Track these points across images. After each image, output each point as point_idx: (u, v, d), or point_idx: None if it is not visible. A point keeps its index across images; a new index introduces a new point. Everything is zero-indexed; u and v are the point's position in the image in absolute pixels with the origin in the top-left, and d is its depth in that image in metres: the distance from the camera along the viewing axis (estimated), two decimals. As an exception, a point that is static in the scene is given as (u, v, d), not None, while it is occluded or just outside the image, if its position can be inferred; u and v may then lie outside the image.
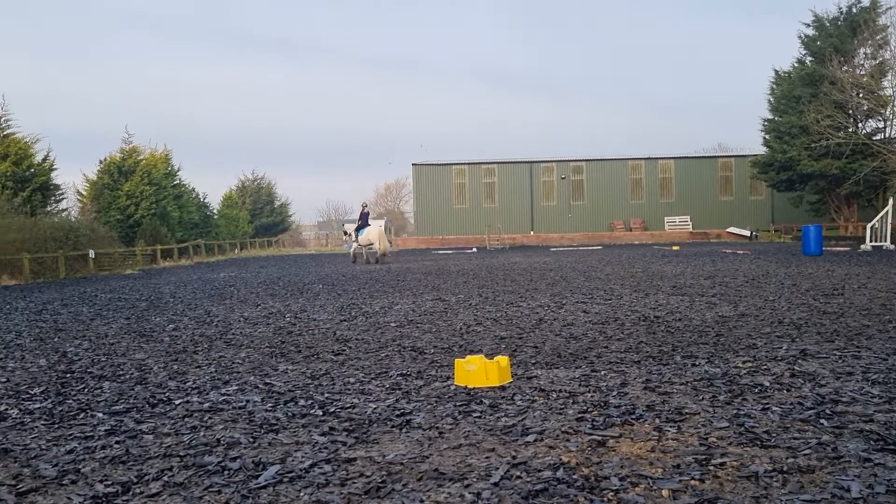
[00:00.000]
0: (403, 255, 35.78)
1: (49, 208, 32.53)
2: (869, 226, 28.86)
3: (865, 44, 38.97)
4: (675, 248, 35.09)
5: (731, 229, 49.93)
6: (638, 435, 3.84)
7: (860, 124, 39.73)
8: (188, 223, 43.10)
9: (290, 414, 4.56)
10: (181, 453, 3.78)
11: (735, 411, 4.24)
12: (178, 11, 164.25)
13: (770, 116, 43.78)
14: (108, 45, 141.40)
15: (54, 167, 33.03)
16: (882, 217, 28.25)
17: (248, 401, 4.96)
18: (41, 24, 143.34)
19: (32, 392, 5.54)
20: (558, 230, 52.98)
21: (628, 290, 12.39)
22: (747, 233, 47.93)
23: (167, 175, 41.24)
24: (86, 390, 5.54)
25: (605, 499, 2.96)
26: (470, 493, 3.07)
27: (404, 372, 5.82)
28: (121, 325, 9.71)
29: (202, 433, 4.17)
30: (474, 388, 5.07)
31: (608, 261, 23.01)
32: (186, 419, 4.52)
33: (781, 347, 6.37)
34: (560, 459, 3.46)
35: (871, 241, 28.18)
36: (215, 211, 51.89)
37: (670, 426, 3.97)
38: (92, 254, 26.00)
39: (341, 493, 3.12)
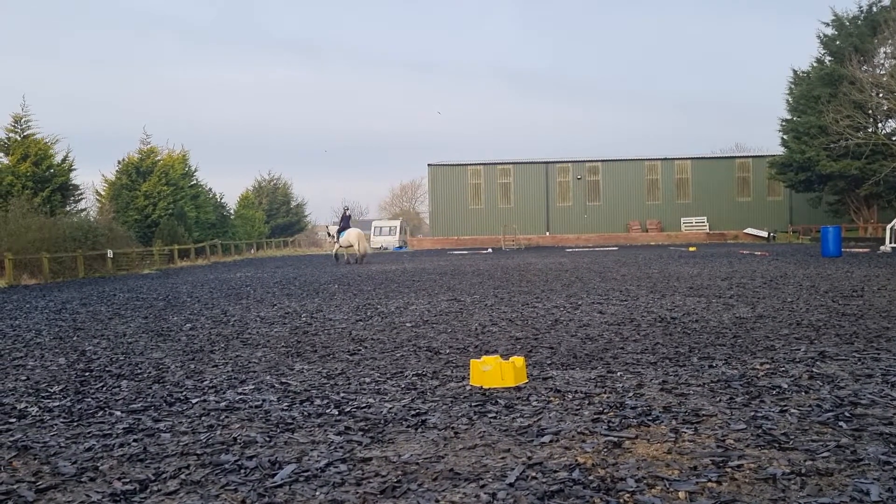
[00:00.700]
0: (418, 256, 35.82)
1: (68, 208, 32.87)
2: (889, 227, 28.54)
3: (886, 43, 38.52)
4: (691, 249, 34.88)
5: (749, 230, 49.56)
6: (654, 436, 3.82)
7: (880, 124, 39.33)
8: (205, 223, 43.36)
9: (305, 413, 4.58)
10: (198, 452, 3.81)
11: (753, 413, 4.21)
12: (198, 13, 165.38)
13: (788, 116, 43.44)
14: (128, 48, 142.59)
15: (73, 168, 33.42)
16: (902, 218, 27.94)
17: (264, 400, 4.98)
18: (61, 27, 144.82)
19: (52, 390, 5.59)
20: (574, 231, 52.80)
21: (644, 291, 12.33)
22: (765, 234, 47.55)
23: (184, 175, 41.53)
24: (104, 388, 5.58)
25: (621, 500, 2.95)
26: (485, 493, 3.06)
27: (420, 372, 5.82)
28: (139, 324, 9.79)
29: (219, 432, 4.20)
30: (490, 389, 5.07)
31: (624, 262, 22.91)
32: (203, 418, 4.55)
33: (800, 349, 6.31)
34: (576, 460, 3.45)
35: (890, 243, 27.86)
36: (232, 211, 52.19)
37: (687, 428, 3.95)
38: (110, 254, 26.22)
39: (357, 493, 3.13)
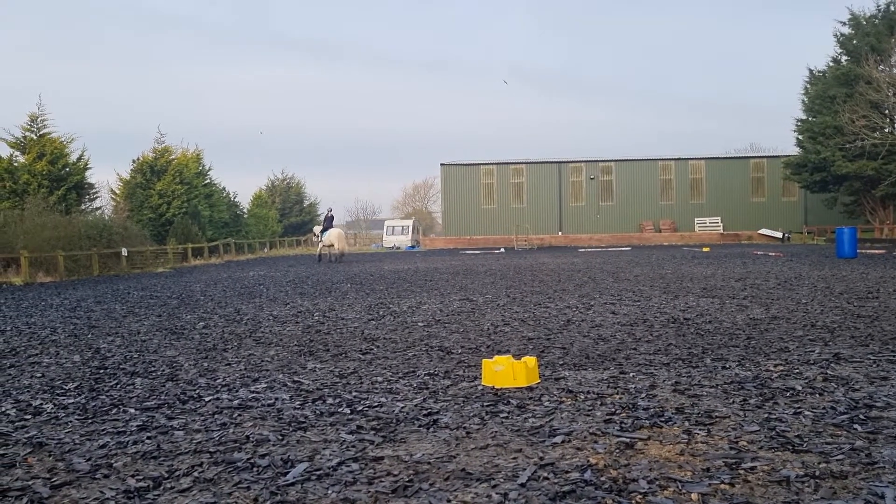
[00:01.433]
0: (431, 255, 35.84)
1: (83, 207, 33.11)
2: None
3: (903, 42, 38.21)
4: (705, 249, 34.72)
5: (763, 231, 49.25)
6: (667, 438, 3.81)
7: (896, 125, 38.99)
8: (218, 222, 43.56)
9: (318, 412, 4.59)
10: (211, 449, 3.83)
11: (766, 415, 4.18)
12: (213, 13, 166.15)
13: (804, 116, 43.13)
14: (143, 47, 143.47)
15: (89, 166, 33.66)
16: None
17: (276, 398, 5.00)
18: (77, 27, 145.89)
19: (67, 387, 5.64)
20: (587, 231, 52.65)
21: (657, 291, 12.28)
22: (779, 235, 47.24)
23: (198, 174, 41.73)
24: (118, 386, 5.62)
25: (634, 502, 2.94)
26: (497, 493, 3.06)
27: (432, 371, 5.83)
28: (152, 322, 9.85)
29: (232, 430, 4.22)
30: (502, 389, 5.07)
31: (637, 262, 22.84)
32: (216, 416, 4.57)
33: (814, 351, 6.27)
34: (588, 461, 3.45)
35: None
36: (245, 210, 52.41)
37: (700, 429, 3.93)
38: (125, 252, 26.39)
39: (368, 492, 3.13)
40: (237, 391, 5.29)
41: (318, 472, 3.40)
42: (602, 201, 53.94)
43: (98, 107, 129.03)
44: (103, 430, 4.31)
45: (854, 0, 69.95)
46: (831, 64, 41.82)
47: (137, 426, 4.36)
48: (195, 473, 3.45)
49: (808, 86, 43.09)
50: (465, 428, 4.11)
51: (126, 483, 3.34)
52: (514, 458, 3.54)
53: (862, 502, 2.85)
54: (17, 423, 4.53)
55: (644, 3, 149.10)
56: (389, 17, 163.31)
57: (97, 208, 35.75)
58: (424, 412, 4.49)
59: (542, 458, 3.51)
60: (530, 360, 5.31)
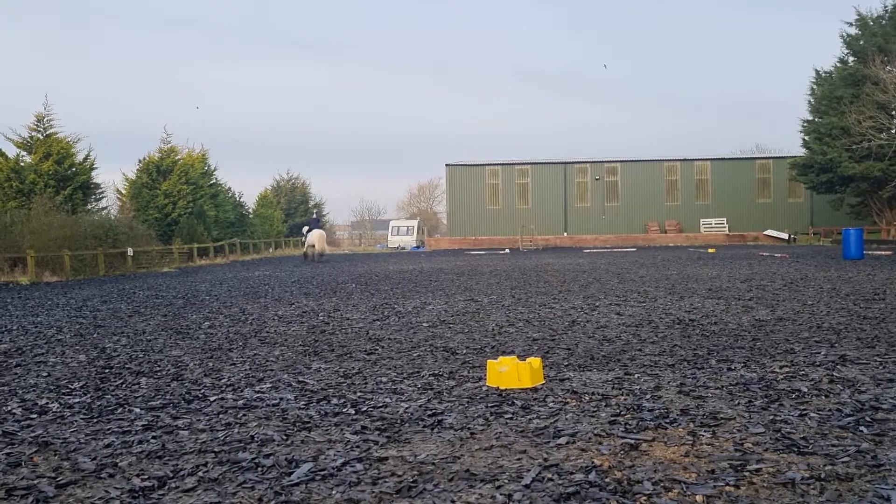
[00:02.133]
0: (436, 256, 35.84)
1: (89, 206, 33.20)
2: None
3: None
4: (710, 250, 34.64)
5: (769, 232, 49.11)
6: (672, 439, 3.80)
7: (903, 126, 38.84)
8: (224, 222, 43.64)
9: (322, 412, 4.60)
10: (216, 449, 3.84)
11: (772, 417, 4.17)
12: (219, 14, 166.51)
13: (810, 117, 42.99)
14: (149, 47, 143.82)
15: (95, 166, 33.73)
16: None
17: (281, 398, 5.00)
18: (83, 27, 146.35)
19: (72, 387, 5.65)
20: (592, 232, 52.57)
21: (663, 292, 12.27)
22: (785, 236, 47.11)
23: (204, 174, 41.79)
24: (124, 386, 5.64)
25: (638, 503, 2.94)
26: (501, 494, 3.06)
27: (436, 372, 5.83)
28: (158, 322, 9.87)
29: (236, 430, 4.22)
30: (506, 390, 5.06)
31: (642, 263, 22.80)
32: (221, 416, 4.58)
33: (820, 352, 6.25)
34: (592, 462, 3.44)
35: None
36: (250, 210, 52.49)
37: (705, 431, 3.92)
38: (130, 252, 26.46)
39: (373, 492, 3.13)
40: (242, 391, 5.30)
41: (322, 473, 3.41)
42: (607, 202, 53.85)
43: (104, 107, 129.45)
44: (108, 429, 4.32)
45: (861, 0, 69.73)
46: (838, 64, 41.68)
47: (142, 426, 4.37)
48: (200, 473, 3.46)
49: (815, 86, 42.95)
50: (469, 429, 4.11)
51: (131, 482, 3.35)
52: (519, 459, 3.53)
53: (868, 505, 2.84)
54: (22, 423, 4.54)
55: (649, 4, 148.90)
56: (395, 18, 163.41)
57: (103, 208, 35.88)
58: (429, 413, 4.49)
59: (546, 459, 3.51)
60: (535, 361, 5.30)
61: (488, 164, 55.08)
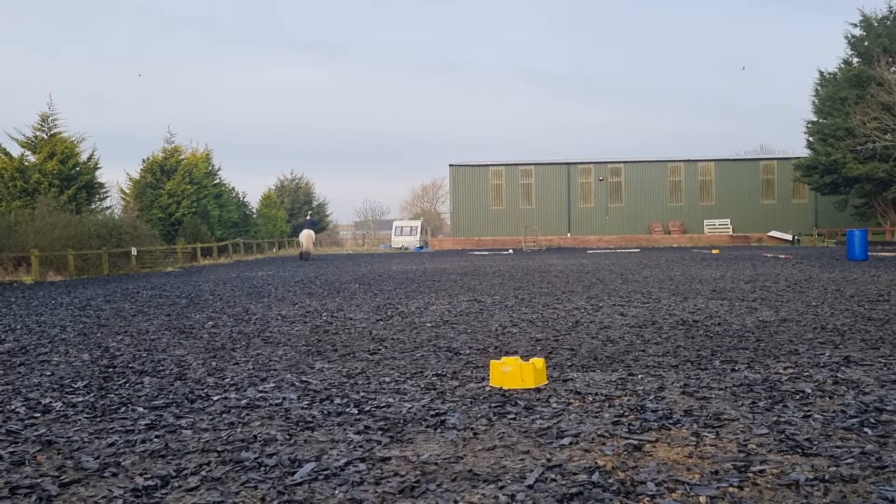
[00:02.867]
0: (439, 256, 35.84)
1: (93, 206, 33.26)
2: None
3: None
4: (714, 251, 34.59)
5: (773, 233, 49.04)
6: (675, 440, 3.79)
7: (908, 127, 38.73)
8: (228, 222, 43.69)
9: (325, 412, 4.59)
10: (219, 449, 3.84)
11: (775, 418, 4.16)
12: (222, 14, 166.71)
13: (814, 118, 42.93)
14: (153, 47, 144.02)
15: (99, 166, 33.83)
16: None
17: (284, 398, 5.00)
18: (87, 27, 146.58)
19: (76, 386, 5.66)
20: (595, 232, 52.55)
21: (666, 293, 12.25)
22: (789, 237, 47.03)
23: (208, 174, 41.85)
24: (127, 385, 5.64)
25: (641, 504, 2.93)
26: (504, 494, 3.06)
27: (439, 372, 5.82)
28: (161, 321, 9.88)
29: (239, 429, 4.22)
30: (509, 390, 5.06)
31: (646, 264, 22.78)
32: (224, 415, 4.58)
33: (824, 354, 6.24)
34: (595, 463, 3.43)
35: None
36: (254, 210, 52.54)
37: (708, 432, 3.91)
38: (134, 251, 26.50)
39: (376, 492, 3.13)
40: (245, 390, 5.30)
41: (325, 472, 3.40)
42: (611, 202, 53.82)
43: (108, 107, 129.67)
44: (112, 428, 4.33)
45: (865, 1, 69.67)
46: (842, 65, 41.60)
47: (146, 425, 4.37)
48: (203, 472, 3.46)
49: (819, 87, 42.88)
50: (472, 429, 4.11)
51: (134, 481, 3.35)
52: (522, 460, 3.53)
53: (872, 506, 2.84)
54: (26, 421, 4.55)
55: (653, 4, 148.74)
56: (398, 17, 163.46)
57: (107, 208, 35.96)
58: (432, 413, 4.49)
59: (549, 460, 3.50)
60: (538, 362, 5.30)
61: (492, 165, 55.07)
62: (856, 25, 40.64)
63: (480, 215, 54.46)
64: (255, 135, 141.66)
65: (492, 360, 5.47)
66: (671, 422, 4.13)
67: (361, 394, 5.11)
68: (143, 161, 40.54)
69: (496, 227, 53.92)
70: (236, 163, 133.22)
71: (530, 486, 3.14)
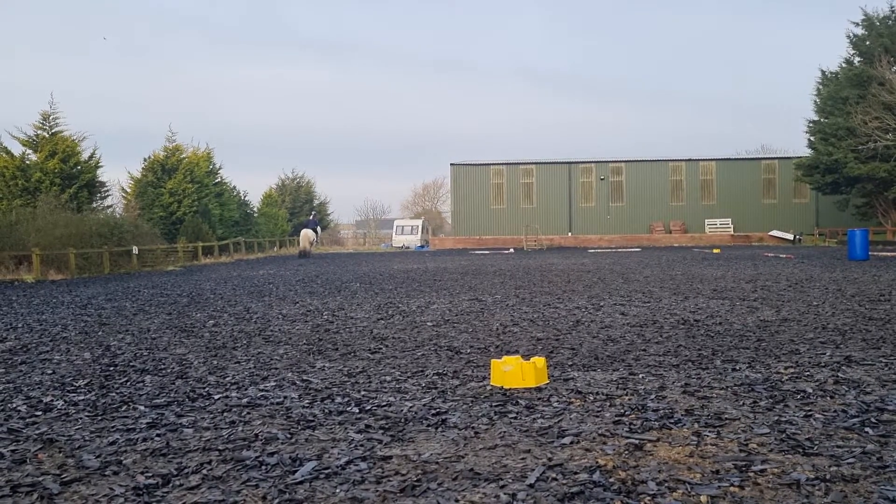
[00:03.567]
0: (440, 255, 35.84)
1: (95, 205, 33.27)
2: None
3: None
4: (715, 251, 34.58)
5: (774, 233, 49.00)
6: (676, 439, 3.79)
7: (910, 127, 38.69)
8: (229, 221, 43.69)
9: (326, 411, 4.60)
10: (220, 447, 3.84)
11: (776, 418, 4.16)
12: (224, 12, 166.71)
13: (815, 118, 42.89)
14: (154, 46, 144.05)
15: (100, 164, 33.83)
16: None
17: (285, 397, 5.01)
18: (88, 25, 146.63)
19: (77, 384, 5.67)
20: (596, 232, 52.52)
21: (667, 292, 12.25)
22: (790, 236, 47.00)
23: (209, 173, 41.86)
24: (128, 383, 5.65)
25: (642, 503, 2.93)
26: (505, 493, 3.06)
27: (440, 371, 5.82)
28: (163, 320, 9.89)
29: (241, 428, 4.23)
30: (510, 389, 5.06)
31: (647, 263, 22.77)
32: (225, 414, 4.58)
33: (825, 353, 6.24)
34: (596, 462, 3.44)
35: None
36: (255, 209, 52.54)
37: (709, 431, 3.91)
38: (135, 250, 26.50)
39: (377, 491, 3.13)
40: (246, 389, 5.30)
41: (326, 471, 3.41)
42: (612, 202, 53.80)
43: (109, 105, 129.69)
44: (113, 427, 4.33)
45: (867, 1, 69.47)
46: (844, 65, 41.55)
47: (147, 423, 4.37)
48: (204, 471, 3.46)
49: (821, 87, 42.84)
50: (473, 428, 4.11)
51: (135, 480, 3.35)
52: (523, 459, 3.53)
53: (873, 506, 2.83)
54: (27, 420, 4.55)
55: (655, 4, 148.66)
56: (399, 17, 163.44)
57: (108, 206, 35.95)
58: (433, 412, 4.49)
59: (550, 459, 3.50)
60: (539, 361, 5.30)
61: (493, 164, 55.06)
62: (858, 24, 40.61)
63: (481, 214, 54.45)
64: (256, 133, 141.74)
65: (493, 360, 5.47)
66: (672, 421, 4.13)
67: (362, 393, 5.11)
68: (145, 160, 40.57)
69: (497, 226, 53.91)
70: (237, 162, 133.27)
71: (531, 486, 3.14)
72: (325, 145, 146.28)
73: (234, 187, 47.73)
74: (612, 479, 3.19)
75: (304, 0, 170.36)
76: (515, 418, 4.29)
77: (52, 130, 32.59)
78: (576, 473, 3.29)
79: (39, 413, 4.74)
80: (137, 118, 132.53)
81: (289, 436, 4.04)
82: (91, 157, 33.41)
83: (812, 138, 42.76)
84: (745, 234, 49.82)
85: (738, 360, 6.00)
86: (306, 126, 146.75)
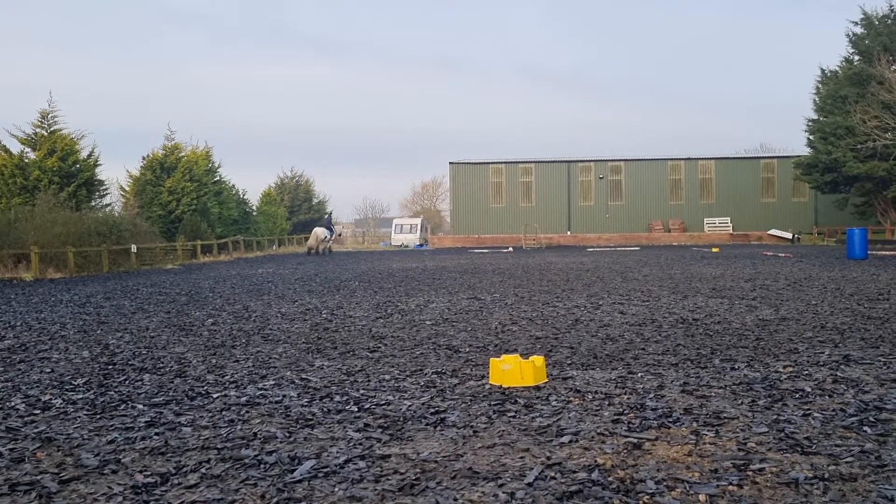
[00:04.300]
0: (439, 254, 35.83)
1: (93, 203, 33.20)
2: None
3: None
4: (714, 249, 34.58)
5: (773, 231, 49.01)
6: (675, 438, 3.79)
7: (909, 126, 38.69)
8: (228, 219, 43.66)
9: (325, 410, 4.60)
10: (218, 446, 3.84)
11: (775, 416, 4.16)
12: (224, 11, 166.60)
13: (815, 116, 42.88)
14: (153, 44, 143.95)
15: (99, 163, 33.74)
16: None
17: (284, 396, 5.01)
18: (88, 23, 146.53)
19: (76, 383, 5.66)
20: (595, 230, 52.51)
21: (666, 291, 12.25)
22: (789, 235, 47.00)
23: (208, 172, 41.81)
24: (127, 382, 5.65)
25: (641, 502, 2.93)
26: (504, 492, 3.06)
27: (439, 370, 5.82)
28: (161, 318, 9.88)
29: (239, 427, 4.23)
30: (509, 388, 5.06)
31: (646, 262, 22.78)
32: (224, 412, 4.58)
33: (824, 352, 6.24)
34: (595, 461, 3.44)
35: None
36: (254, 208, 52.50)
37: (708, 430, 3.92)
38: (134, 248, 26.48)
39: (375, 490, 3.13)
40: (245, 388, 5.30)
41: (325, 470, 3.41)
42: (611, 201, 53.80)
43: (108, 104, 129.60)
44: (112, 425, 4.33)
45: (867, 0, 69.56)
46: (843, 64, 41.55)
47: (145, 422, 4.37)
48: (203, 470, 3.46)
49: (820, 85, 42.84)
50: (472, 427, 4.11)
51: (134, 478, 3.35)
52: (522, 458, 3.53)
53: (871, 505, 2.84)
54: (26, 418, 4.55)
55: (653, 3, 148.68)
56: (400, 15, 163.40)
57: (107, 205, 35.87)
58: (432, 410, 4.49)
59: (549, 458, 3.50)
60: (538, 360, 5.30)
61: (492, 163, 55.05)
62: (857, 23, 40.61)
63: (480, 213, 54.45)
64: (255, 132, 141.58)
65: (491, 358, 5.47)
66: (671, 420, 4.13)
67: (361, 391, 5.11)
68: (144, 158, 40.51)
69: (496, 224, 53.90)
70: (236, 160, 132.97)
71: (530, 484, 3.14)
72: (324, 144, 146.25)
73: (233, 186, 47.73)
74: (610, 478, 3.19)
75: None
76: (514, 417, 4.30)
77: (51, 128, 32.53)
78: (574, 472, 3.29)
79: (38, 412, 4.73)
80: (136, 116, 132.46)
81: (287, 434, 4.04)
82: (90, 155, 33.37)
83: (811, 137, 42.76)
84: (744, 233, 49.83)
85: (736, 359, 6.00)
86: (306, 124, 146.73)
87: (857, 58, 40.68)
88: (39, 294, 14.98)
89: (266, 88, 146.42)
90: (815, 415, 4.18)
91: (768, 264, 20.28)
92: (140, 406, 4.81)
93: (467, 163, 55.25)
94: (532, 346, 6.95)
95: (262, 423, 4.30)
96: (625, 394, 4.85)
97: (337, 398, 4.91)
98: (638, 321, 8.50)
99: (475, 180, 54.69)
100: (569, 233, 52.59)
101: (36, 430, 4.23)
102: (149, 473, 3.42)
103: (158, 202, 38.44)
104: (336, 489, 3.16)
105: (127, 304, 12.04)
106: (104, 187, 35.00)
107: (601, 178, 53.72)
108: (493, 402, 4.66)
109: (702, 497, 2.95)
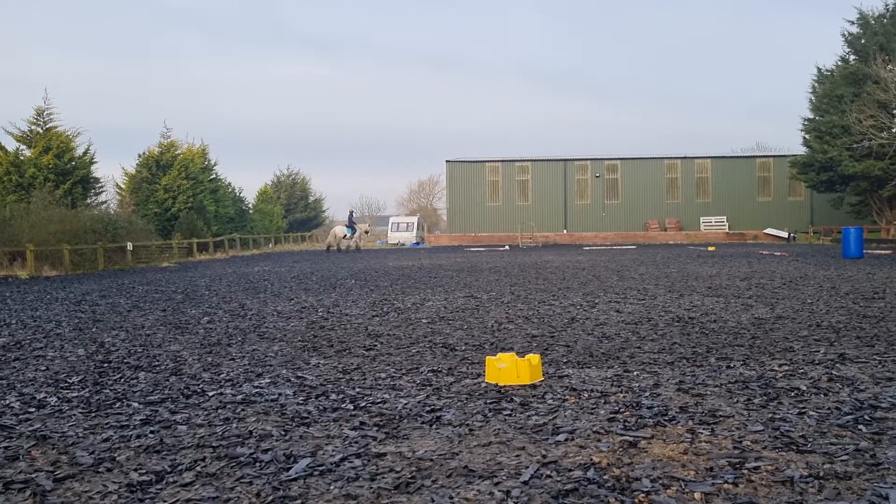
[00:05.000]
0: (436, 252, 35.83)
1: (89, 201, 33.16)
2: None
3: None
4: (710, 248, 34.63)
5: (769, 230, 49.09)
6: (670, 437, 3.79)
7: (904, 125, 38.77)
8: (224, 217, 43.62)
9: (321, 408, 4.59)
10: (214, 444, 3.83)
11: (770, 415, 4.17)
12: (219, 8, 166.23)
13: (811, 116, 42.93)
14: (150, 42, 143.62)
15: (94, 160, 33.70)
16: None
17: (280, 394, 5.00)
18: (84, 21, 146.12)
19: (71, 381, 5.65)
20: (592, 229, 52.53)
21: (662, 290, 12.26)
22: (785, 234, 47.08)
23: (204, 169, 41.79)
24: (122, 380, 5.63)
25: (636, 500, 2.93)
26: (499, 490, 3.06)
27: (435, 368, 5.82)
28: (157, 316, 9.86)
29: (235, 425, 4.22)
30: (505, 386, 5.06)
31: (642, 261, 22.80)
32: (220, 411, 4.57)
33: (819, 351, 6.25)
34: (591, 459, 3.44)
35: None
36: (250, 206, 52.47)
37: (704, 428, 3.92)
38: (130, 246, 26.43)
39: (371, 488, 3.13)
40: (241, 386, 5.30)
41: (320, 468, 3.40)
42: (607, 199, 53.83)
43: (104, 101, 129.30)
44: (107, 423, 4.32)
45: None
46: (839, 63, 41.60)
47: (141, 420, 4.36)
48: (198, 468, 3.46)
49: (816, 84, 42.89)
50: (468, 425, 4.11)
51: (129, 477, 3.34)
52: (517, 456, 3.53)
53: (866, 503, 2.84)
54: (21, 416, 4.54)
55: (652, 3, 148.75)
56: (396, 14, 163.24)
57: (103, 202, 35.84)
58: (427, 409, 4.49)
59: (545, 456, 3.50)
60: (534, 358, 5.30)
61: (489, 161, 55.04)
62: (853, 23, 40.66)
63: (477, 212, 54.43)
64: (251, 130, 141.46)
65: (487, 357, 5.47)
66: (667, 418, 4.14)
67: (357, 390, 5.10)
68: (139, 156, 40.48)
69: (493, 223, 53.90)
70: (233, 158, 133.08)
71: (525, 483, 3.14)
72: (320, 142, 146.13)
73: (230, 184, 47.72)
74: (606, 477, 3.20)
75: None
76: (510, 415, 4.30)
77: (47, 126, 32.46)
78: (570, 471, 3.29)
79: (33, 410, 4.72)
80: (132, 114, 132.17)
81: (283, 433, 4.03)
82: (85, 152, 33.31)
83: (807, 136, 42.81)
84: (740, 232, 49.90)
85: (732, 358, 6.01)
86: (302, 123, 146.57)
87: (853, 57, 40.73)
88: (35, 292, 14.95)
89: (264, 87, 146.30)
90: (811, 413, 4.18)
91: (764, 263, 20.32)
92: (135, 404, 4.80)
93: (464, 161, 55.23)
94: (528, 344, 6.95)
95: (257, 422, 4.29)
96: (620, 392, 4.85)
97: (333, 396, 4.91)
98: (634, 320, 8.51)
99: (472, 179, 54.67)
100: (565, 231, 52.63)
101: (31, 428, 4.22)
102: (144, 471, 3.41)
103: (154, 200, 38.39)
104: (331, 487, 3.16)
105: (122, 302, 12.01)
106: (100, 185, 34.98)
107: (598, 176, 53.74)
108: (489, 401, 4.66)
109: (697, 495, 2.96)
